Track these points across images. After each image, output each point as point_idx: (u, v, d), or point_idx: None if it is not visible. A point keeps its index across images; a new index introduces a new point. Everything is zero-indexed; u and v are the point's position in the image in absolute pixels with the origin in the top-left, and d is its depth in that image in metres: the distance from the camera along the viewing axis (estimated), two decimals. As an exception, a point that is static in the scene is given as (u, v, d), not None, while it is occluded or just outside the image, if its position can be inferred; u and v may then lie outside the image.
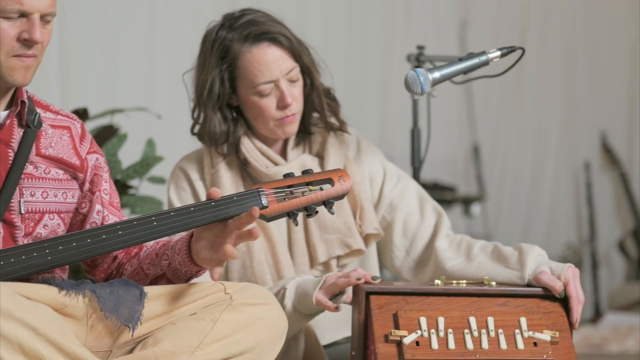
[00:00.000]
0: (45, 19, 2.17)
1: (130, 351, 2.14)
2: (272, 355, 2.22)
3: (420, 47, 3.03)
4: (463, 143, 7.27)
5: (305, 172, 2.27)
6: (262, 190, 2.22)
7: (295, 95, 2.57)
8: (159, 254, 2.31)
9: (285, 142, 2.67)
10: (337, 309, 2.36)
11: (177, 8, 5.67)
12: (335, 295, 2.39)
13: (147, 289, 2.18)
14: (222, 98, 2.58)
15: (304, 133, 2.68)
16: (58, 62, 5.35)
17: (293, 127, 2.60)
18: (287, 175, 2.26)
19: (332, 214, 2.29)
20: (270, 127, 2.58)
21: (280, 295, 2.45)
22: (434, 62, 2.95)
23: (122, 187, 3.41)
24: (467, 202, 6.18)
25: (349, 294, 2.39)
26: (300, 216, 2.30)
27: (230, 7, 5.49)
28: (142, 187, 3.57)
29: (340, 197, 2.27)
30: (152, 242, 2.35)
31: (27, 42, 2.15)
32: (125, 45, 5.55)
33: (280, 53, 2.54)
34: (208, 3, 5.71)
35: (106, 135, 3.48)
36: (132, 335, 2.13)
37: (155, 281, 2.31)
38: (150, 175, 3.50)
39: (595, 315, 6.90)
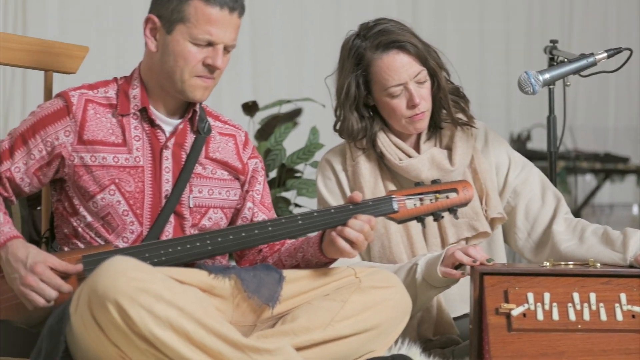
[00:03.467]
0: (227, 49, 2.55)
1: (272, 326, 2.46)
2: (396, 332, 2.53)
3: (554, 41, 3.24)
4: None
5: (434, 182, 2.59)
6: (394, 197, 2.55)
7: (423, 95, 2.84)
8: (296, 247, 2.64)
9: (419, 136, 2.95)
10: (463, 274, 2.63)
11: (361, 7, 6.02)
12: (457, 266, 2.66)
13: (285, 272, 2.50)
14: (358, 99, 2.88)
15: (435, 128, 2.95)
16: (249, 57, 5.83)
17: (423, 124, 2.88)
18: (418, 184, 2.58)
19: (457, 219, 2.61)
20: (402, 124, 2.87)
21: (412, 271, 2.74)
22: (564, 57, 3.15)
23: (287, 171, 3.79)
24: (640, 172, 6.25)
25: (467, 270, 2.65)
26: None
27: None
28: (307, 171, 3.93)
29: (463, 204, 2.58)
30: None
31: (209, 67, 2.52)
32: (310, 39, 5.97)
33: (407, 59, 2.82)
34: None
35: (273, 125, 3.86)
36: (272, 313, 2.46)
37: None
38: (313, 160, 3.84)
39: None
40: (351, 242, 2.48)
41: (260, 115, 4.04)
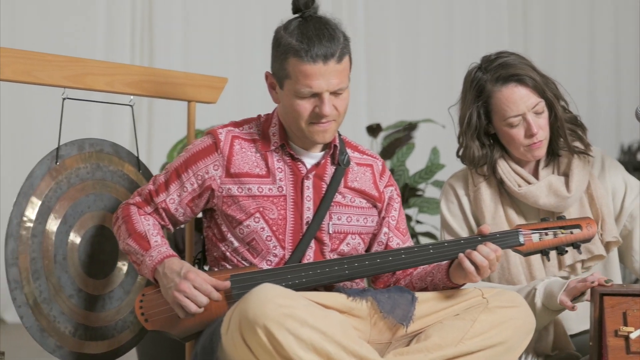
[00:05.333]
0: (336, 93, 2.68)
1: (407, 343, 2.64)
2: (520, 348, 2.68)
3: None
4: None
5: (559, 218, 2.75)
6: (521, 231, 2.73)
7: (541, 125, 2.99)
8: (427, 272, 2.81)
9: (537, 162, 3.10)
10: (573, 308, 2.79)
11: (474, 29, 6.15)
12: (576, 297, 2.82)
13: (417, 293, 2.68)
14: (479, 128, 3.05)
15: (553, 155, 3.10)
16: (365, 82, 6.04)
17: (540, 152, 3.03)
18: (544, 219, 2.75)
19: (580, 253, 2.79)
20: (521, 152, 3.03)
21: (531, 295, 2.89)
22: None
23: (409, 190, 3.97)
24: None
25: (588, 295, 2.82)
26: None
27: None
28: (428, 190, 4.10)
29: (586, 240, 2.75)
30: None
31: (318, 115, 2.68)
32: (424, 64, 6.13)
33: (526, 91, 2.97)
34: (504, 27, 6.16)
35: (396, 145, 4.04)
36: (406, 331, 2.63)
37: None
38: (434, 179, 4.02)
39: None
40: (476, 266, 2.64)
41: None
